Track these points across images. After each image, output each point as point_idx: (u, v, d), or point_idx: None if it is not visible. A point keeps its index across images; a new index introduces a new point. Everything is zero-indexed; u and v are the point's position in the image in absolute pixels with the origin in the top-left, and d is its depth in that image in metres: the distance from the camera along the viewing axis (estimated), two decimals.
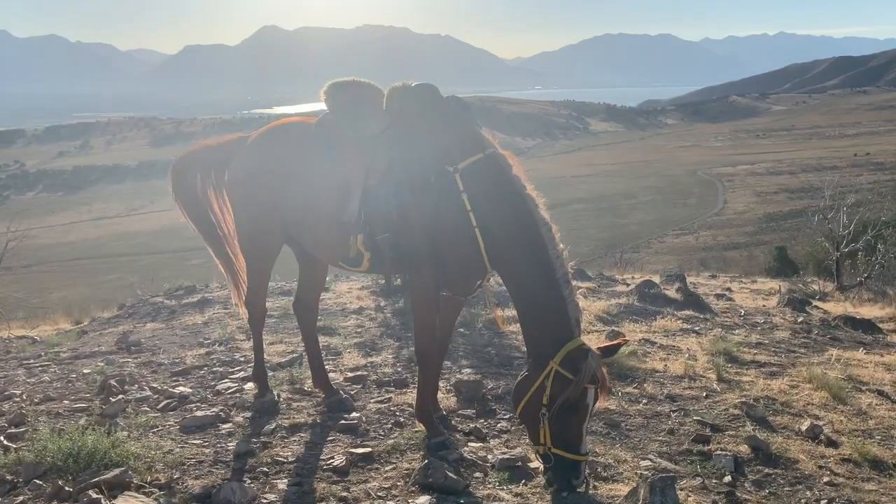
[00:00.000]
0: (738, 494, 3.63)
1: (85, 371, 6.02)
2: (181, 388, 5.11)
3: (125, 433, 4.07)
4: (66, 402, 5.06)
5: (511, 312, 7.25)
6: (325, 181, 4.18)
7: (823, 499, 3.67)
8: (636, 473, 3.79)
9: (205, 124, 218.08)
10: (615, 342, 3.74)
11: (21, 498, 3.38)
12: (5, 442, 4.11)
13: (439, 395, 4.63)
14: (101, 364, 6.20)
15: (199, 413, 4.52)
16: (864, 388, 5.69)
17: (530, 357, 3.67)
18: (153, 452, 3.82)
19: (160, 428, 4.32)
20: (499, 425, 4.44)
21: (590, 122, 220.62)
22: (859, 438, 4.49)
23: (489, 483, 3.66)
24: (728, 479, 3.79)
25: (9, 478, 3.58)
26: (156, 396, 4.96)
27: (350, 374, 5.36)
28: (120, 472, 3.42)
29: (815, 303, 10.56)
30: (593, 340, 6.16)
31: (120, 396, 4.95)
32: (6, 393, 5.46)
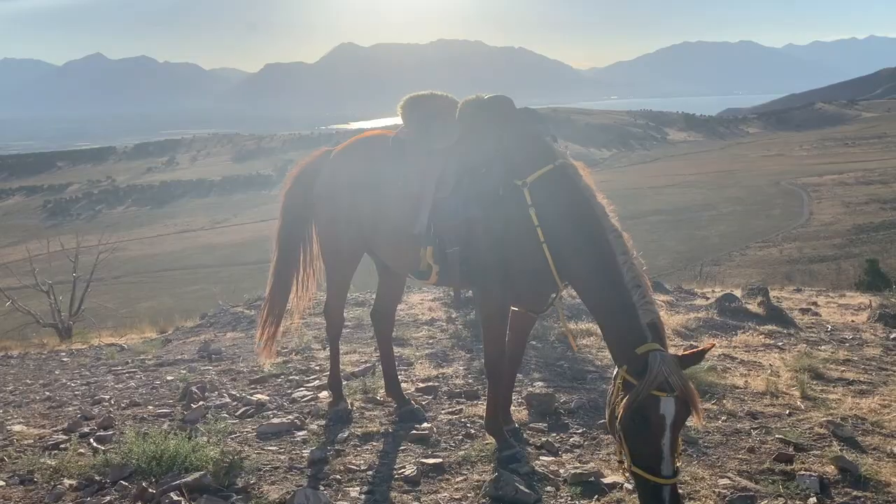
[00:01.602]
0: None
1: (168, 378, 6.27)
2: (259, 396, 5.25)
3: (205, 438, 4.20)
4: (150, 407, 5.28)
5: (583, 326, 7.18)
6: (398, 193, 4.24)
7: None
8: (714, 492, 3.67)
9: (284, 140, 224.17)
10: (699, 349, 3.35)
11: (108, 498, 3.54)
12: (95, 444, 4.32)
13: (511, 407, 4.61)
14: (184, 371, 6.44)
15: (275, 420, 4.63)
16: None
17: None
18: (231, 458, 3.93)
19: (238, 434, 4.45)
20: (571, 440, 4.38)
21: (668, 131, 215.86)
22: None
23: (561, 497, 3.61)
24: (813, 500, 3.62)
25: (97, 478, 3.76)
26: (234, 403, 5.11)
27: (421, 385, 5.39)
28: (199, 476, 3.55)
29: None
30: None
31: (201, 403, 5.13)
32: (96, 398, 5.74)
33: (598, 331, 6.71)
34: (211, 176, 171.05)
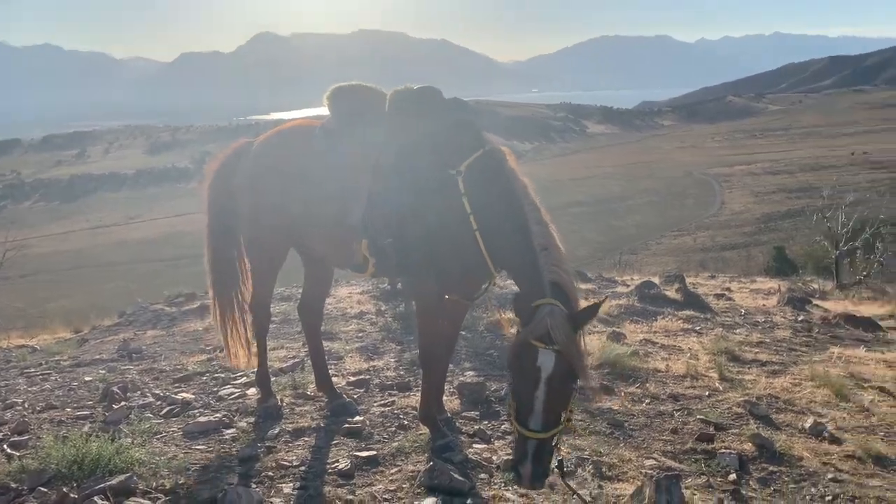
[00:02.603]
0: (744, 492, 3.64)
1: (86, 379, 6.02)
2: (183, 395, 5.11)
3: (129, 440, 4.07)
4: (68, 409, 5.06)
5: (511, 315, 7.26)
6: (329, 186, 4.18)
7: (828, 495, 3.68)
8: (641, 472, 3.79)
9: (201, 131, 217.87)
10: (592, 304, 3.27)
11: None
12: (8, 450, 4.10)
13: (443, 397, 4.63)
14: (103, 371, 6.21)
15: (202, 419, 4.52)
16: (866, 385, 5.71)
17: None
18: (158, 458, 3.83)
19: (164, 434, 4.33)
20: (503, 427, 4.43)
21: (586, 124, 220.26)
22: (863, 435, 4.51)
23: (495, 484, 3.66)
24: (733, 476, 3.80)
25: (13, 486, 3.58)
26: (158, 403, 4.96)
27: (353, 379, 5.36)
28: (125, 479, 3.43)
29: (815, 301, 10.58)
30: (594, 342, 6.19)
31: (123, 403, 4.96)
32: (8, 402, 5.46)
33: None
34: (124, 169, 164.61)
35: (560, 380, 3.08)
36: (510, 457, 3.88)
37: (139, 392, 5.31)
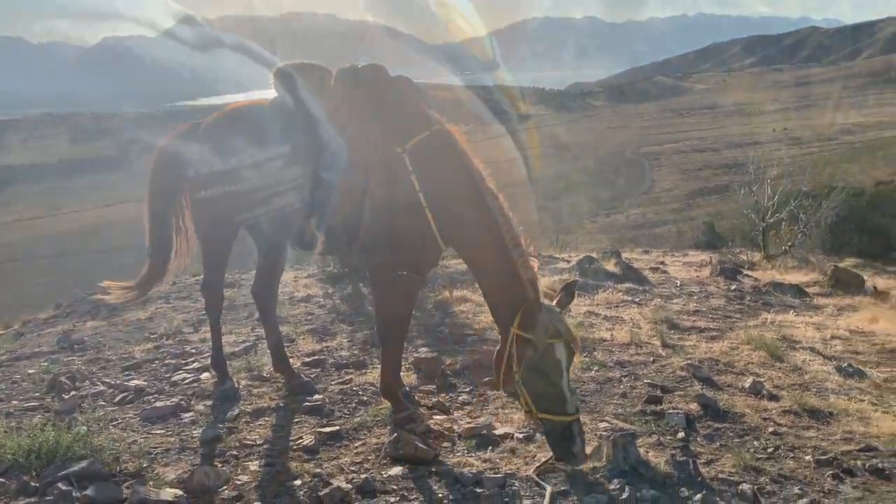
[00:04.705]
0: (692, 448, 3.85)
1: (29, 371, 5.87)
2: (135, 382, 5.06)
3: (85, 427, 4.01)
4: (14, 402, 4.94)
5: (458, 293, 7.38)
6: (278, 165, 4.19)
7: (770, 447, 3.91)
8: (596, 434, 3.95)
9: (127, 118, 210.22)
10: (565, 288, 3.70)
11: None
12: None
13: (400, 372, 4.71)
14: (46, 363, 6.04)
15: (158, 404, 4.50)
16: (797, 346, 6.04)
17: (499, 328, 3.74)
18: (118, 444, 3.81)
19: (120, 420, 4.30)
20: (460, 398, 4.55)
21: (520, 105, 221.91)
22: (797, 391, 4.78)
23: (458, 451, 3.77)
24: (681, 434, 4.00)
25: None
26: (110, 391, 4.90)
27: (307, 359, 5.38)
28: (88, 464, 3.41)
29: (744, 271, 11.02)
30: None
31: (73, 393, 4.88)
32: None
33: (474, 297, 6.95)
34: (46, 159, 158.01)
35: (571, 362, 3.54)
36: (470, 425, 3.99)
37: (88, 381, 5.21)
